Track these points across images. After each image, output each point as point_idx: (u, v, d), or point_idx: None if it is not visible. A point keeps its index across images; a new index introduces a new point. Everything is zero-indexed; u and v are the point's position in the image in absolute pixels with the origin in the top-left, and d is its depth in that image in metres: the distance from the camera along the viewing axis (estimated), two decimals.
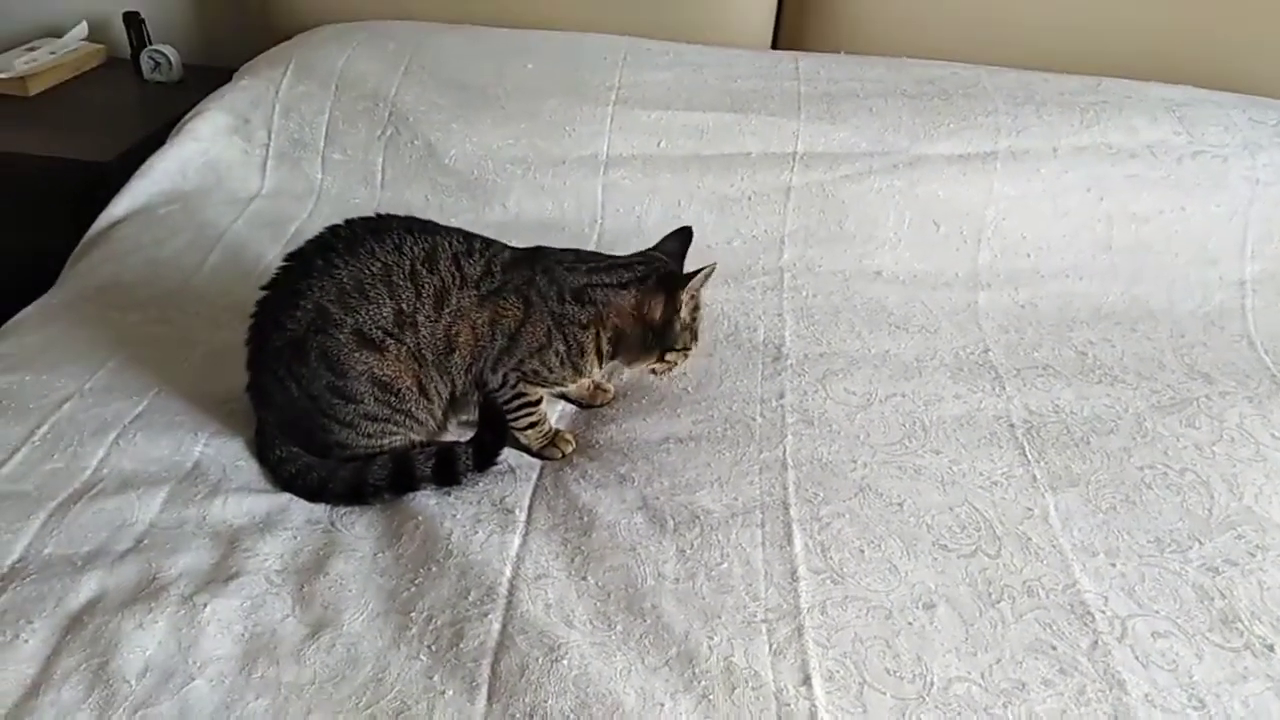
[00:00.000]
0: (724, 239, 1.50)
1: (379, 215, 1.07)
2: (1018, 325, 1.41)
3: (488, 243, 1.08)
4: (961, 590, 0.97)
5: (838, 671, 0.88)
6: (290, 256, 1.06)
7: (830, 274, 1.47)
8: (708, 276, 1.11)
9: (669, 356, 1.13)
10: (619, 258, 1.14)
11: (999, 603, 0.96)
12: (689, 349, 1.14)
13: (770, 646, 0.89)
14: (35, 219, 1.73)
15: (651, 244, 1.45)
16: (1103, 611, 0.96)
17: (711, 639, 0.89)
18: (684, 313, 1.10)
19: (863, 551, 1.01)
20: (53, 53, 2.02)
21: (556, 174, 1.53)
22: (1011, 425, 1.22)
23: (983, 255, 1.49)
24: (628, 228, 1.50)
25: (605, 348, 1.11)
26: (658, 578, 0.96)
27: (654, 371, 1.17)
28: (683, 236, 1.19)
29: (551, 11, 1.79)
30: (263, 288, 1.06)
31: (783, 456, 1.13)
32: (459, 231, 1.07)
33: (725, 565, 0.98)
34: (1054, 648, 0.92)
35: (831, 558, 1.00)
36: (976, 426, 1.21)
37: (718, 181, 1.51)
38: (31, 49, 2.02)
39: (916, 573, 0.99)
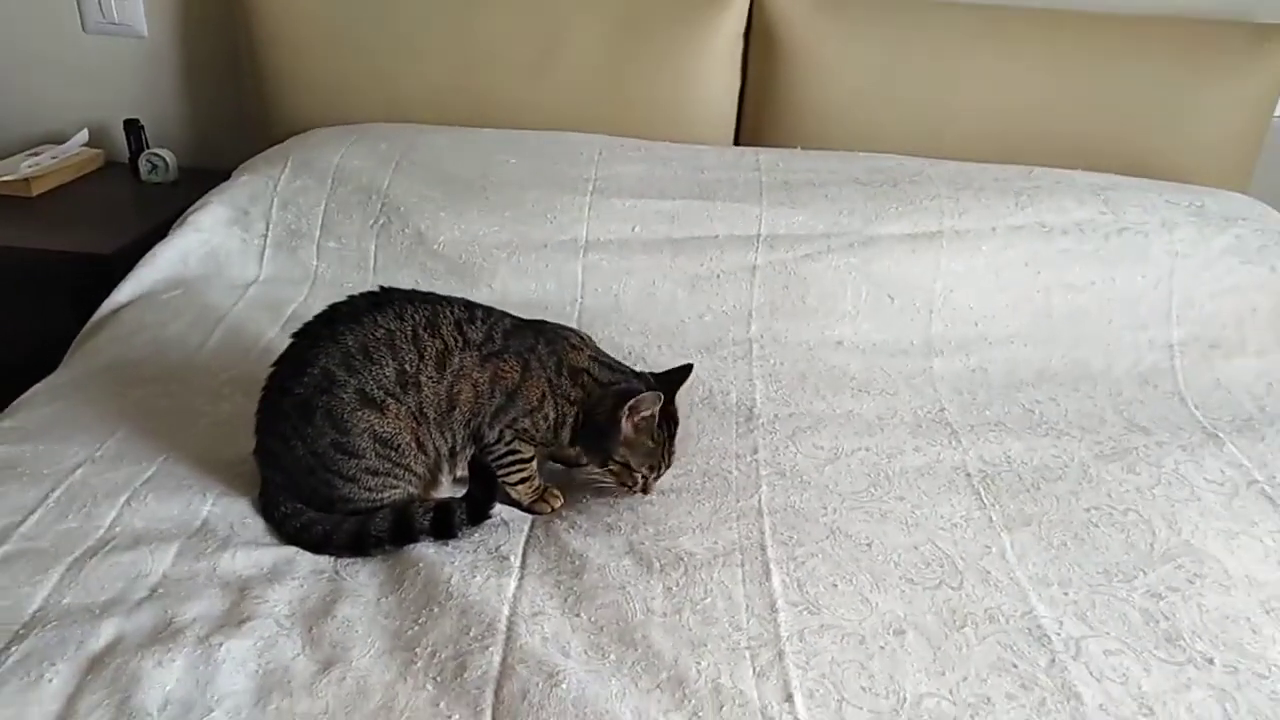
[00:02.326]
0: (696, 314, 1.61)
1: (382, 289, 1.17)
2: (970, 387, 1.52)
3: (489, 311, 1.17)
4: (928, 618, 1.05)
5: (817, 690, 0.94)
6: (297, 333, 1.15)
7: (795, 344, 1.58)
8: (653, 403, 1.14)
9: (611, 465, 1.17)
10: (619, 363, 1.22)
11: (963, 628, 1.04)
12: (635, 471, 1.17)
13: (754, 669, 0.96)
14: (37, 308, 1.80)
15: (630, 322, 1.58)
16: (1058, 634, 1.04)
17: (699, 664, 0.96)
18: (626, 427, 1.14)
19: (836, 586, 1.08)
20: (54, 157, 2.13)
21: (539, 257, 1.63)
22: (968, 474, 1.31)
23: (934, 325, 1.61)
24: (606, 305, 1.61)
25: (577, 430, 1.19)
26: (646, 612, 1.02)
27: (618, 485, 1.20)
28: (683, 373, 1.23)
29: (530, 114, 1.94)
30: (273, 364, 1.15)
31: (758, 504, 1.21)
32: (461, 301, 1.17)
33: (709, 600, 1.05)
34: (1015, 666, 0.99)
35: (808, 592, 1.07)
36: (936, 476, 1.30)
37: (688, 262, 1.63)
38: (35, 154, 2.13)
39: (886, 604, 1.06)
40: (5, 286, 1.83)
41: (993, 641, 1.02)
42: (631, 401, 1.13)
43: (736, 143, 2.01)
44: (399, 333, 1.10)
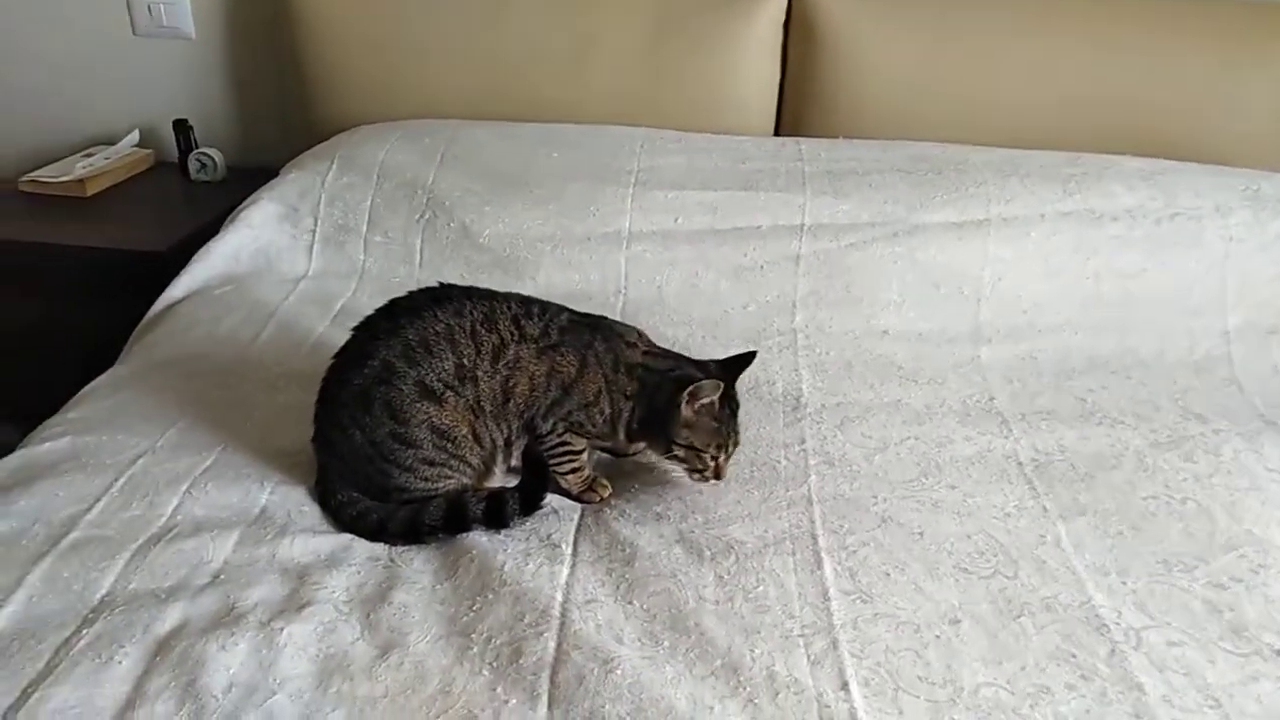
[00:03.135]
0: (740, 304, 1.61)
1: (441, 285, 1.18)
2: (1020, 376, 1.50)
3: (545, 306, 1.18)
4: (984, 608, 1.04)
5: (873, 679, 0.93)
6: (358, 326, 1.17)
7: (841, 333, 1.57)
8: (713, 392, 1.12)
9: (676, 451, 1.16)
10: (677, 354, 1.22)
11: (1020, 618, 1.03)
12: (703, 452, 1.15)
13: (809, 657, 0.96)
14: (95, 304, 1.85)
15: (674, 313, 1.58)
16: (1117, 624, 1.02)
17: (753, 651, 0.96)
18: (685, 411, 1.13)
19: (889, 575, 1.08)
20: (107, 158, 2.18)
21: (583, 249, 1.64)
22: (1020, 463, 1.29)
23: (982, 313, 1.59)
24: (649, 296, 1.61)
25: (634, 425, 1.19)
26: (699, 600, 1.02)
27: (690, 473, 1.18)
28: (744, 360, 1.21)
29: (569, 108, 1.94)
30: (334, 355, 1.16)
31: (808, 494, 1.21)
32: (517, 296, 1.18)
33: (761, 588, 1.04)
34: (1074, 656, 0.98)
35: (860, 580, 1.06)
36: (987, 465, 1.29)
37: (732, 252, 1.62)
38: (88, 155, 2.19)
39: (940, 593, 1.06)
40: (64, 284, 1.88)
41: (1051, 631, 1.01)
42: (691, 388, 1.11)
43: (777, 133, 2.00)
44: (458, 328, 1.12)
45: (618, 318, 1.43)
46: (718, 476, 1.18)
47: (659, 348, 1.23)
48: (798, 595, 1.04)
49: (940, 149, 1.79)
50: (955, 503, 1.21)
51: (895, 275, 1.60)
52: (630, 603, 1.02)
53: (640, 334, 1.24)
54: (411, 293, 1.17)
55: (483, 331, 1.12)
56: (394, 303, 1.16)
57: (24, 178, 2.08)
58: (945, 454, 1.31)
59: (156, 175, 2.25)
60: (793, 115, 1.99)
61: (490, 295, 1.17)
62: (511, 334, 1.14)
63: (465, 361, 1.11)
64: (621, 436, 1.20)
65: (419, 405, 1.10)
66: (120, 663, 0.91)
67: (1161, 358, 1.54)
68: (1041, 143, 1.81)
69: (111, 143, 2.26)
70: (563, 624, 0.99)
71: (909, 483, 1.25)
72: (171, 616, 0.97)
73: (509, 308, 1.15)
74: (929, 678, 0.94)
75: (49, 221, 1.94)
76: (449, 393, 1.11)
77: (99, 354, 1.56)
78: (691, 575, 1.06)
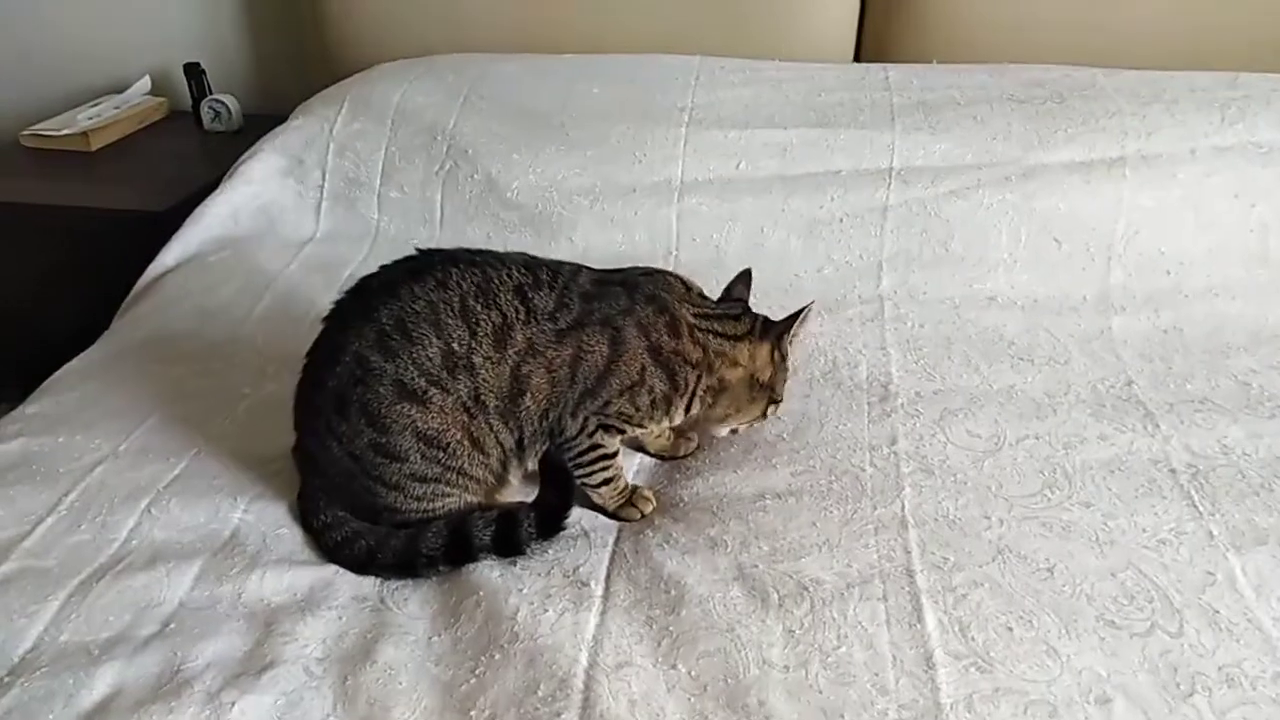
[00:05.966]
0: (814, 266, 1.36)
1: (420, 251, 0.96)
2: (1163, 353, 1.23)
3: (556, 270, 0.95)
4: (1141, 680, 0.79)
5: None
6: (328, 315, 0.95)
7: (937, 302, 1.31)
8: (805, 319, 1.02)
9: (770, 409, 1.03)
10: (719, 306, 1.03)
11: (1192, 696, 0.77)
12: (777, 402, 1.04)
13: None
14: (92, 270, 1.68)
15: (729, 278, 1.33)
16: None
17: None
18: (785, 363, 1.02)
19: (1011, 630, 0.83)
20: (116, 108, 2.00)
21: (627, 203, 1.41)
22: (1173, 470, 1.03)
23: (1114, 275, 1.32)
24: (706, 258, 1.37)
25: (704, 396, 0.98)
26: (762, 665, 0.80)
27: (734, 430, 1.06)
28: (745, 280, 1.08)
29: (616, 37, 1.69)
30: (307, 353, 0.96)
31: (901, 513, 0.96)
32: (520, 259, 0.94)
33: (844, 649, 0.81)
34: None
35: (973, 638, 0.82)
36: (1130, 473, 1.02)
37: (805, 203, 1.38)
38: (95, 105, 2.01)
39: (1081, 656, 0.81)
40: (57, 249, 1.71)
41: (1238, 718, 0.75)
42: (790, 335, 1.01)
43: (858, 59, 1.72)
44: (443, 304, 0.89)
45: (664, 268, 1.15)
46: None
47: (702, 298, 1.03)
48: (892, 660, 0.80)
49: (1062, 72, 1.49)
50: (1093, 526, 0.95)
51: (1006, 229, 1.34)
52: (674, 667, 0.80)
53: (685, 284, 1.01)
54: (384, 266, 0.95)
55: (477, 307, 0.90)
56: (365, 282, 0.95)
57: (25, 131, 1.91)
58: (1075, 458, 1.04)
59: (169, 126, 2.07)
60: (877, 36, 1.71)
61: (485, 260, 0.93)
62: (515, 311, 0.91)
63: (455, 346, 0.89)
64: (680, 414, 0.98)
65: (398, 408, 0.89)
66: None
67: None
68: (1190, 61, 1.50)
69: (121, 91, 2.08)
70: (586, 699, 0.77)
71: (1030, 498, 0.99)
72: (102, 682, 0.78)
73: (509, 275, 0.92)
74: None
75: (45, 179, 1.78)
76: (433, 390, 0.89)
77: (93, 328, 1.39)
78: (753, 630, 0.83)
